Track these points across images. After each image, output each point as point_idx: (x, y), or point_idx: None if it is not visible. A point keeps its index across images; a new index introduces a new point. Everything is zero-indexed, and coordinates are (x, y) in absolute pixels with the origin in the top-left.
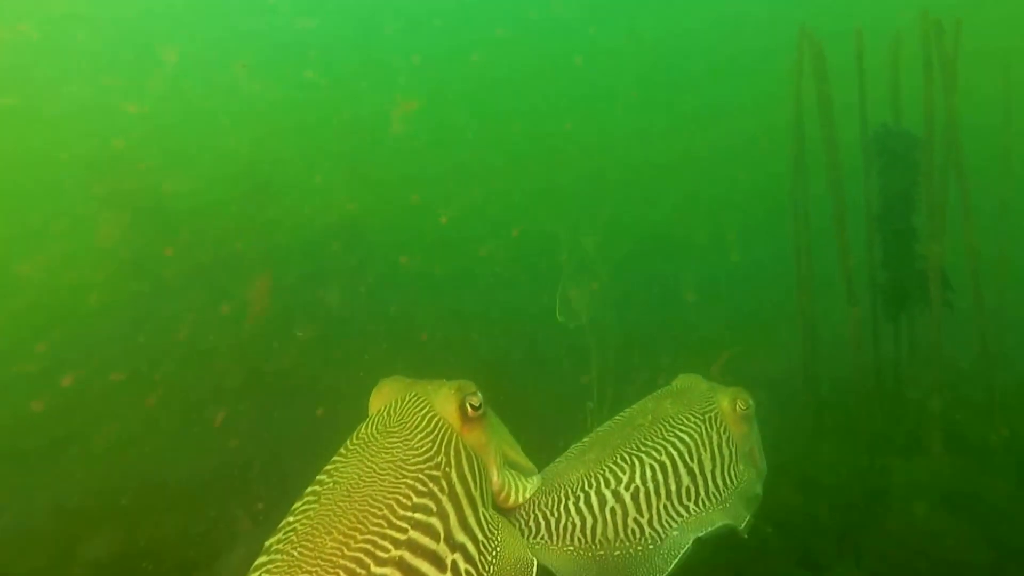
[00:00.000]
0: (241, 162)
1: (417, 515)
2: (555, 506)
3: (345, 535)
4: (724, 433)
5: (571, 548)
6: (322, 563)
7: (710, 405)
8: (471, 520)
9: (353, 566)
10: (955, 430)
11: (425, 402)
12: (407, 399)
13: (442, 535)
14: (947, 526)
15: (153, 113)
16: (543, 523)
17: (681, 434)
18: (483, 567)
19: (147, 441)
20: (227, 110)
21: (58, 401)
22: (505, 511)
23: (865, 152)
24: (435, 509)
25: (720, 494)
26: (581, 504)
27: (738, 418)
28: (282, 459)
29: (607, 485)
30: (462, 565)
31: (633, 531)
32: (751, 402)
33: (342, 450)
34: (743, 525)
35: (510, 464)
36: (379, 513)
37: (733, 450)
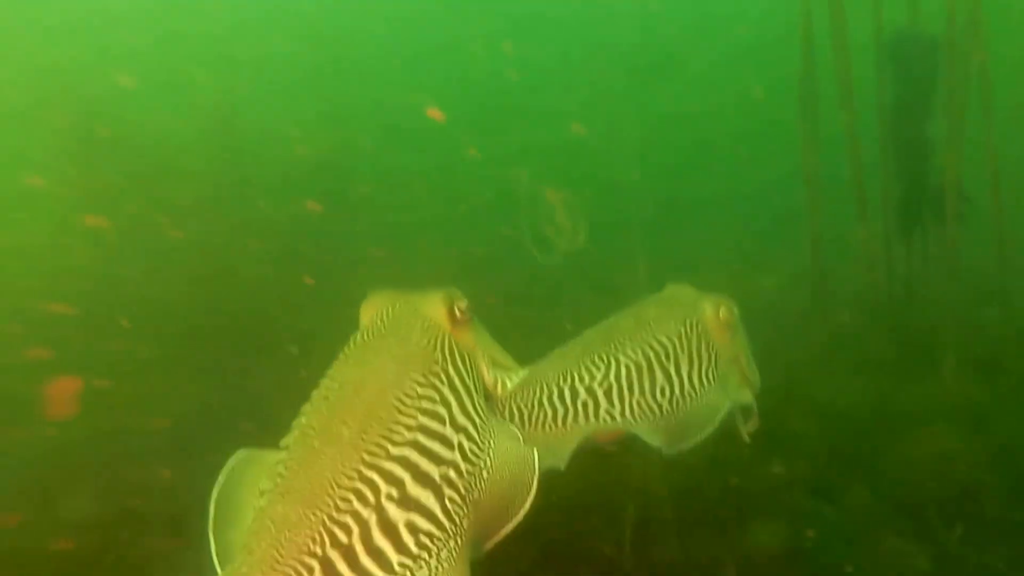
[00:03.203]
0: (208, 98)
1: (424, 403)
2: (529, 399)
3: (360, 424)
4: (705, 338)
5: (542, 435)
6: (343, 449)
7: (693, 311)
8: (469, 407)
9: (374, 449)
10: (971, 352)
11: (415, 308)
12: (397, 307)
13: (447, 420)
14: (963, 450)
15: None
16: (516, 415)
17: (660, 336)
18: (483, 445)
19: (120, 389)
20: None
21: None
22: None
23: (879, 57)
24: (439, 398)
25: (696, 393)
26: (555, 398)
27: (721, 325)
28: (264, 398)
29: (581, 381)
30: (466, 444)
31: (605, 420)
32: (735, 310)
33: (341, 356)
34: (745, 434)
35: (496, 364)
36: (389, 404)
37: (714, 355)
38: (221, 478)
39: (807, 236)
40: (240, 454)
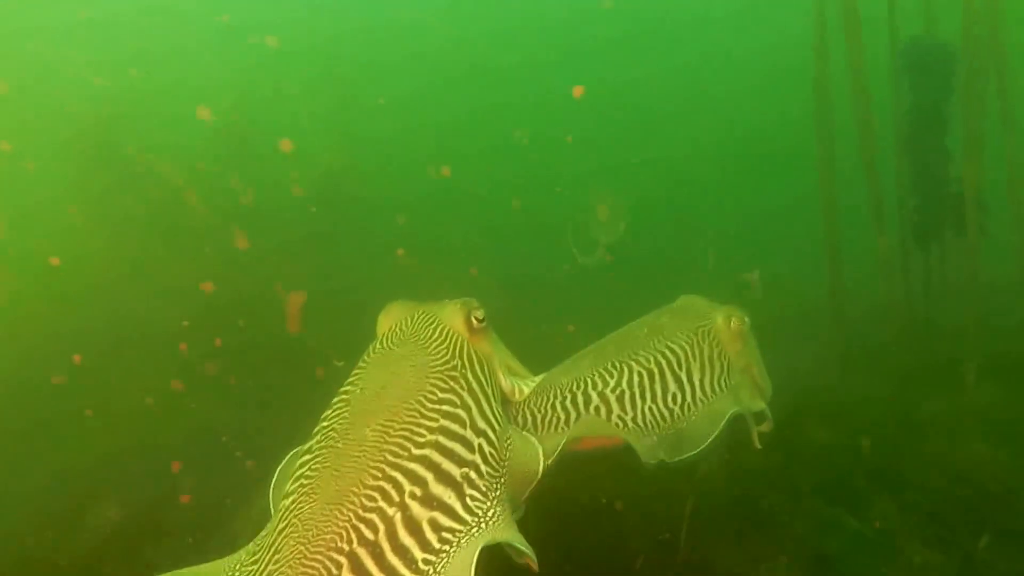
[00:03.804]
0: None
1: (444, 407)
2: (543, 404)
3: (383, 426)
4: (716, 347)
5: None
6: (367, 450)
7: (705, 321)
8: (488, 412)
9: (396, 450)
10: (992, 360)
11: (434, 317)
12: (416, 317)
13: (467, 423)
14: (988, 458)
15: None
16: (530, 419)
17: (672, 345)
18: (502, 450)
19: (147, 407)
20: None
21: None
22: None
23: (894, 68)
24: (459, 403)
25: (707, 400)
26: (568, 403)
27: (732, 334)
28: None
29: (594, 388)
30: (486, 448)
31: (616, 425)
32: (746, 320)
33: (361, 363)
34: (755, 439)
35: (511, 371)
36: (411, 407)
37: (725, 363)
38: (279, 472)
39: (826, 246)
40: (298, 450)
